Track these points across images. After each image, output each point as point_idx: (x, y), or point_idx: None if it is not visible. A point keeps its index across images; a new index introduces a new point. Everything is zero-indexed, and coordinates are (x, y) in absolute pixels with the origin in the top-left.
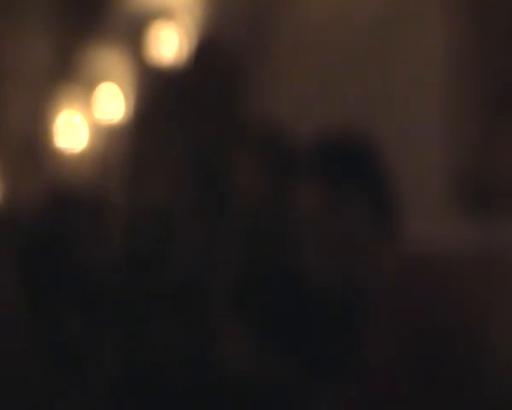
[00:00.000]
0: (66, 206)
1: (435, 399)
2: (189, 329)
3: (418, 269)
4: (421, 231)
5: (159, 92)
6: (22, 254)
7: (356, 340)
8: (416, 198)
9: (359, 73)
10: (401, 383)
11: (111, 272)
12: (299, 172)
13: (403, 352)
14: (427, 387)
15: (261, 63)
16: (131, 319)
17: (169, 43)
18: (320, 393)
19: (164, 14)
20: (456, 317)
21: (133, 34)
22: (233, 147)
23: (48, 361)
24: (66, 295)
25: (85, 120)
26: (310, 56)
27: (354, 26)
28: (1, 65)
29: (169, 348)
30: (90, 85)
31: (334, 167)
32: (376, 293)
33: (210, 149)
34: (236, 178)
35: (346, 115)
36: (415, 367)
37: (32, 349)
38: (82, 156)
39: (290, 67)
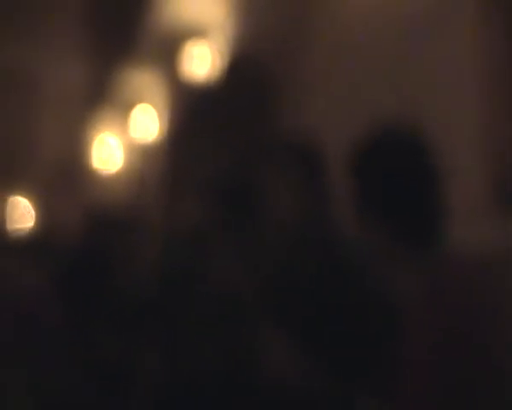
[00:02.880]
0: (104, 226)
1: (472, 403)
2: (227, 341)
3: (457, 271)
4: (461, 232)
5: (193, 110)
6: (61, 275)
7: (393, 348)
8: (456, 200)
9: (392, 81)
10: (439, 390)
11: (149, 291)
12: (332, 183)
13: (441, 356)
14: (465, 391)
15: (293, 76)
16: (170, 335)
17: (202, 62)
18: (358, 401)
19: (196, 33)
20: (494, 320)
21: (166, 54)
22: (267, 161)
23: (88, 381)
24: (104, 316)
25: (121, 141)
26: (341, 67)
27: (386, 32)
28: (38, 90)
29: (208, 362)
30: (125, 107)
31: (374, 173)
32: (414, 297)
33: (243, 164)
34: (271, 192)
35: (380, 125)
36: (451, 372)
37: (72, 370)
38: (118, 177)
39: (322, 78)
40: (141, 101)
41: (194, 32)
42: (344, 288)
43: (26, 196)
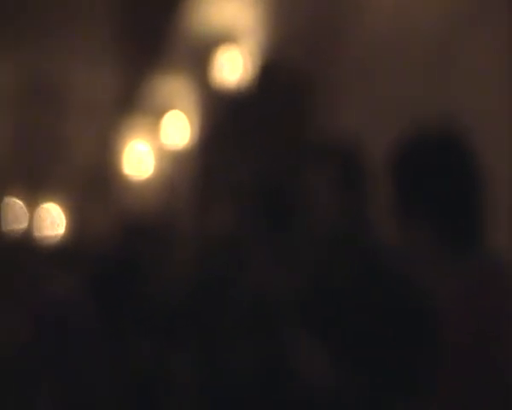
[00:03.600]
0: (135, 233)
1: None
2: (262, 347)
3: (496, 274)
4: (503, 236)
5: (225, 116)
6: (94, 281)
7: (432, 351)
8: (499, 202)
9: (426, 83)
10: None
11: (182, 297)
12: (371, 185)
13: (480, 359)
14: (503, 393)
15: (326, 78)
16: (203, 340)
17: (233, 68)
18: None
19: (227, 38)
20: None
21: (197, 61)
22: (304, 163)
23: (123, 387)
24: (137, 322)
25: (152, 147)
26: (375, 69)
27: (419, 36)
28: (70, 98)
29: (243, 367)
30: (156, 114)
31: (415, 174)
32: (453, 299)
33: (278, 168)
34: (307, 194)
35: (415, 126)
36: (488, 373)
37: (107, 376)
38: (149, 183)
39: (356, 79)
40: (172, 107)
41: (225, 37)
42: (382, 290)
43: (57, 203)
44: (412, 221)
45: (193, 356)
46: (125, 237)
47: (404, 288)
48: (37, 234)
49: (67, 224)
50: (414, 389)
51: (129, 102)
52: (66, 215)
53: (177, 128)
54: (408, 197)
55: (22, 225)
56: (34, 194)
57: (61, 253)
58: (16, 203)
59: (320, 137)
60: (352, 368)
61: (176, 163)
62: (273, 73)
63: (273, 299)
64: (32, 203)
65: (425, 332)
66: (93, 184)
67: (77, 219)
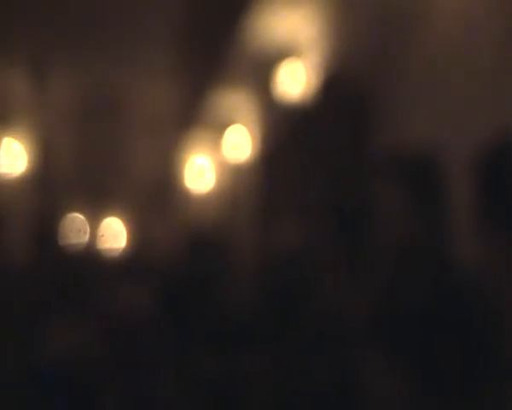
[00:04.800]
0: (198, 247)
1: None
2: (333, 363)
3: None
4: None
5: (287, 130)
6: (157, 293)
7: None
8: None
9: (493, 90)
10: None
11: (244, 312)
12: (444, 196)
13: None
14: None
15: (391, 91)
16: (273, 357)
17: (296, 81)
18: None
19: (290, 52)
20: None
21: (260, 75)
22: (372, 178)
23: (187, 396)
24: (203, 336)
25: (214, 161)
26: (440, 79)
27: (486, 45)
28: (132, 112)
29: (313, 383)
30: (218, 128)
31: (496, 184)
32: None
33: (346, 183)
34: (380, 208)
35: (483, 136)
36: None
37: (173, 389)
38: (212, 198)
39: (420, 91)
40: (234, 121)
41: (287, 51)
42: (460, 304)
43: (119, 217)
44: (492, 232)
45: (262, 373)
46: (187, 251)
47: (483, 302)
48: (99, 248)
49: (129, 238)
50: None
51: (191, 116)
52: (127, 229)
53: (239, 142)
54: (486, 203)
55: (84, 239)
56: (96, 208)
57: (123, 267)
58: (78, 218)
59: (390, 149)
60: (426, 386)
61: (238, 177)
62: (336, 86)
63: (344, 315)
64: (95, 218)
65: (505, 346)
66: (155, 198)
67: (139, 233)
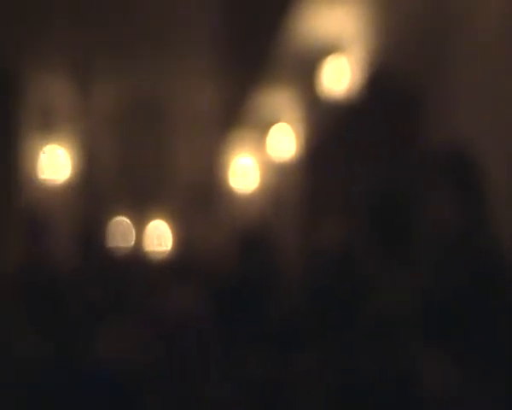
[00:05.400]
0: (246, 247)
1: None
2: (386, 361)
3: None
4: None
5: (333, 128)
6: (206, 295)
7: None
8: None
9: None
10: None
11: (290, 312)
12: (489, 193)
13: None
14: None
15: (437, 85)
16: (318, 356)
17: (341, 78)
18: None
19: (334, 49)
20: None
21: (304, 72)
22: (418, 174)
23: (238, 397)
24: (250, 336)
25: (259, 161)
26: (485, 72)
27: None
28: (176, 113)
29: (372, 380)
30: (262, 127)
31: None
32: None
33: (391, 180)
34: (427, 205)
35: None
36: None
37: (221, 392)
38: (256, 197)
39: (464, 85)
40: (278, 120)
41: (331, 47)
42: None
43: (164, 220)
44: None
45: (310, 373)
46: (234, 251)
47: None
48: (145, 250)
49: (175, 240)
50: None
51: (235, 116)
52: (173, 231)
53: (284, 141)
54: None
55: (130, 242)
56: (142, 211)
57: (170, 268)
58: (124, 221)
59: (435, 145)
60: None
61: (283, 176)
62: (381, 81)
63: (394, 313)
64: (140, 221)
65: None
66: (200, 199)
67: (184, 235)
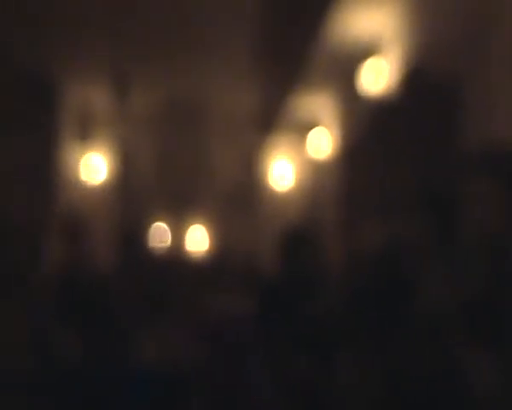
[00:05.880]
0: (284, 248)
1: None
2: (435, 361)
3: None
4: None
5: (372, 129)
6: (248, 295)
7: None
8: None
9: None
10: None
11: (333, 312)
12: None
13: None
14: None
15: (477, 85)
16: (362, 355)
17: (379, 79)
18: None
19: (372, 50)
20: None
21: (342, 74)
22: (461, 173)
23: (283, 403)
24: (291, 337)
25: (297, 163)
26: None
27: None
28: (213, 117)
29: (417, 380)
30: (301, 129)
31: None
32: None
33: (432, 179)
34: (471, 205)
35: None
36: None
37: (267, 392)
38: (295, 199)
39: (505, 87)
40: (317, 122)
41: (369, 48)
42: None
43: (202, 223)
44: None
45: (355, 373)
46: (276, 252)
47: None
48: (184, 253)
49: (214, 242)
50: None
51: (273, 118)
52: (212, 234)
53: (322, 142)
54: None
55: (167, 244)
56: (180, 214)
57: (210, 270)
58: (162, 226)
59: (477, 144)
60: None
61: (321, 178)
62: (420, 81)
63: (439, 313)
64: (178, 224)
65: None
66: (239, 201)
67: (223, 237)
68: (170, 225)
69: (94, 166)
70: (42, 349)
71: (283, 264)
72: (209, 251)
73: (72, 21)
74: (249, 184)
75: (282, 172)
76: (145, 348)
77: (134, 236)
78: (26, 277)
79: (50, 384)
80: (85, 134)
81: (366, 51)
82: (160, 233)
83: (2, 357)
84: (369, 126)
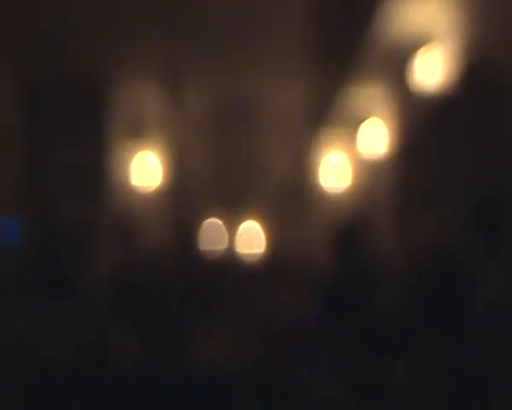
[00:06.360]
0: (339, 246)
1: None
2: (497, 358)
3: None
4: None
5: (426, 122)
6: (304, 296)
7: None
8: None
9: None
10: None
11: (392, 312)
12: None
13: None
14: None
15: None
16: (423, 357)
17: (434, 70)
18: None
19: (426, 41)
20: None
21: (395, 65)
22: None
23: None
24: (347, 335)
25: (350, 158)
26: None
27: None
28: (264, 112)
29: (480, 378)
30: (353, 123)
31: None
32: None
33: (488, 173)
34: None
35: None
36: None
37: (326, 395)
38: (348, 195)
39: None
40: (370, 115)
41: (423, 39)
42: None
43: (257, 221)
44: None
45: (416, 374)
46: (327, 250)
47: None
48: (239, 252)
49: (268, 240)
50: None
51: (325, 113)
52: (265, 231)
53: (376, 137)
54: None
55: (223, 245)
56: (234, 213)
57: (264, 269)
58: (216, 223)
59: None
60: None
61: (375, 173)
62: (477, 73)
63: (498, 311)
64: (232, 222)
65: None
66: (292, 199)
67: (277, 236)
68: (224, 223)
69: (147, 167)
70: (99, 350)
71: (339, 261)
72: (265, 249)
73: (126, 20)
74: (302, 180)
75: (335, 167)
76: (203, 347)
77: (188, 235)
78: (82, 277)
79: (107, 384)
80: (139, 134)
81: (420, 42)
82: (215, 231)
83: (59, 358)
84: (423, 119)
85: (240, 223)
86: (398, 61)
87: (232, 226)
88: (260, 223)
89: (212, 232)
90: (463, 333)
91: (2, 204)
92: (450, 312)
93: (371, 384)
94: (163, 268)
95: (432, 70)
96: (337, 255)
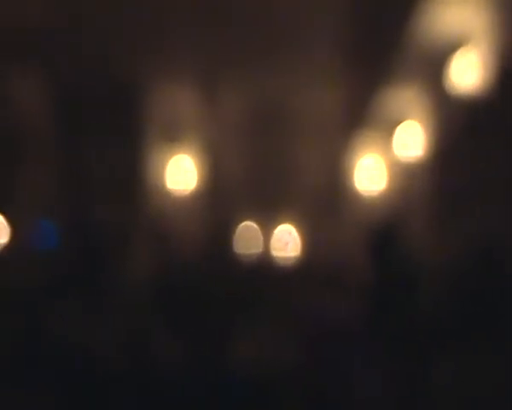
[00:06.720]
0: (377, 248)
1: None
2: None
3: None
4: None
5: (463, 124)
6: (339, 299)
7: None
8: None
9: None
10: None
11: (425, 312)
12: None
13: None
14: None
15: None
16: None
17: (471, 73)
18: None
19: (463, 43)
20: None
21: (432, 67)
22: None
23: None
24: (383, 337)
25: (385, 160)
26: None
27: None
28: (300, 116)
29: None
30: (389, 125)
31: None
32: None
33: None
34: None
35: None
36: None
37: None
38: (384, 198)
39: None
40: (406, 118)
41: (460, 41)
42: None
43: (292, 224)
44: None
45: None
46: (363, 253)
47: None
48: (274, 256)
49: (303, 243)
50: None
51: (361, 115)
52: (301, 235)
53: (411, 139)
54: None
55: (257, 248)
56: (269, 216)
57: (300, 273)
58: (252, 227)
59: None
60: None
61: (410, 176)
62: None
63: None
64: (267, 226)
65: None
66: (327, 202)
67: (312, 239)
68: (259, 226)
69: (183, 170)
70: (139, 351)
71: (375, 263)
72: (301, 252)
73: (159, 23)
74: (337, 183)
75: (370, 170)
76: (242, 348)
77: (224, 238)
78: (119, 279)
79: (147, 385)
80: (174, 138)
81: (457, 44)
82: (250, 234)
83: (99, 358)
84: (461, 121)
85: (275, 226)
86: (434, 64)
87: (267, 230)
88: (295, 226)
89: (247, 236)
90: (506, 334)
91: (41, 208)
92: (491, 313)
93: (412, 386)
94: (198, 271)
95: (469, 72)
96: (373, 258)
